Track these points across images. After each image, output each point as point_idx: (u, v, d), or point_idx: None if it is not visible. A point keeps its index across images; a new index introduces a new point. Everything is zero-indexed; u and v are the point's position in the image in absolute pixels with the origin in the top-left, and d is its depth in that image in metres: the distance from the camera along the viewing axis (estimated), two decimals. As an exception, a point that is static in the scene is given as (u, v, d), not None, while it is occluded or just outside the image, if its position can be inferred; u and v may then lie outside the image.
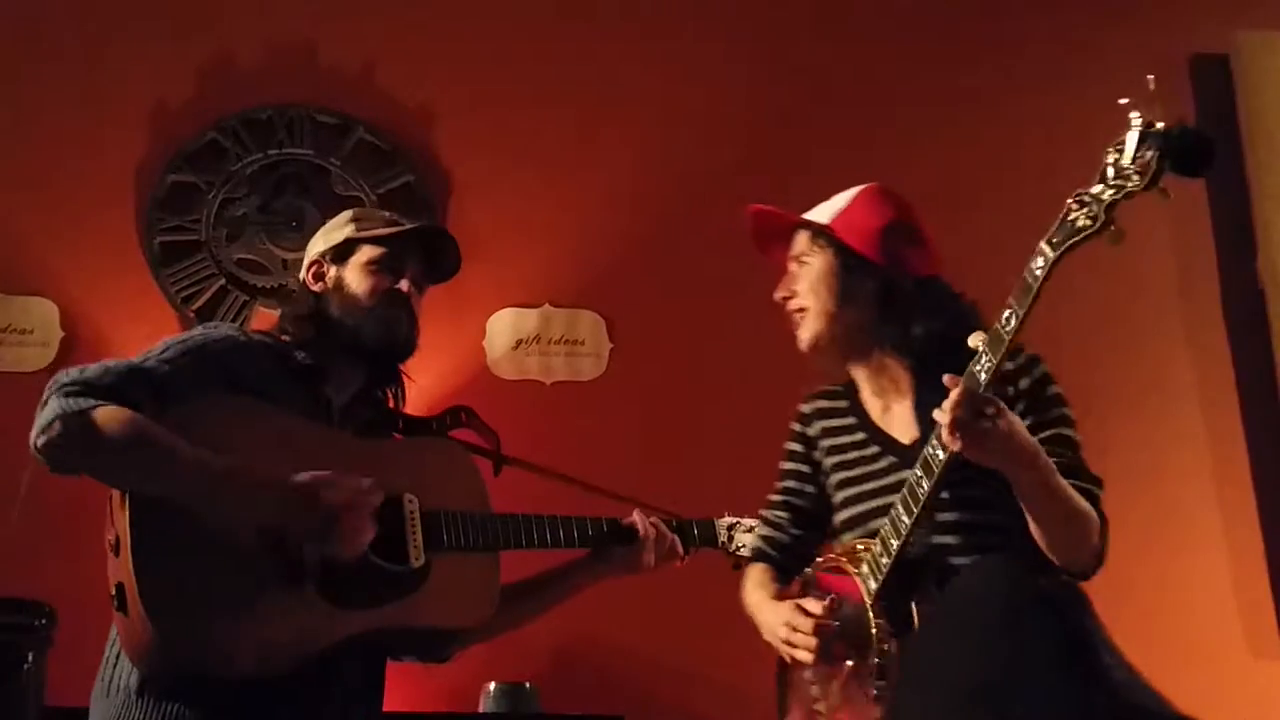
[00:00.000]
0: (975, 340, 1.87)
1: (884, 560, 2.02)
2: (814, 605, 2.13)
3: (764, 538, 2.41)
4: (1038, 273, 1.79)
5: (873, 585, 2.03)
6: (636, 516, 2.46)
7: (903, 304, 2.17)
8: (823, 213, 2.28)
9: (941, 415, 1.83)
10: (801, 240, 2.28)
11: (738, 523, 2.56)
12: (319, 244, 2.37)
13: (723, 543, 2.55)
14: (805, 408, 2.40)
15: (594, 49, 3.99)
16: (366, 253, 2.31)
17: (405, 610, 2.13)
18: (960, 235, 3.57)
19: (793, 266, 2.29)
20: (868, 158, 3.91)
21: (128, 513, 1.92)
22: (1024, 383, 2.10)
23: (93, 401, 1.90)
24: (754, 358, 3.68)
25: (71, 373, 1.97)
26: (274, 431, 2.09)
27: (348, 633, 2.06)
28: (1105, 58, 4.00)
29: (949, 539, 2.08)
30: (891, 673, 1.95)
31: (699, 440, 3.67)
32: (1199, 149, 1.70)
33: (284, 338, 2.27)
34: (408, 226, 2.36)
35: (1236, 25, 4.05)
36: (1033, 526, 1.97)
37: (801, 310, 2.26)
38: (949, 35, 4.09)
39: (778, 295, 2.29)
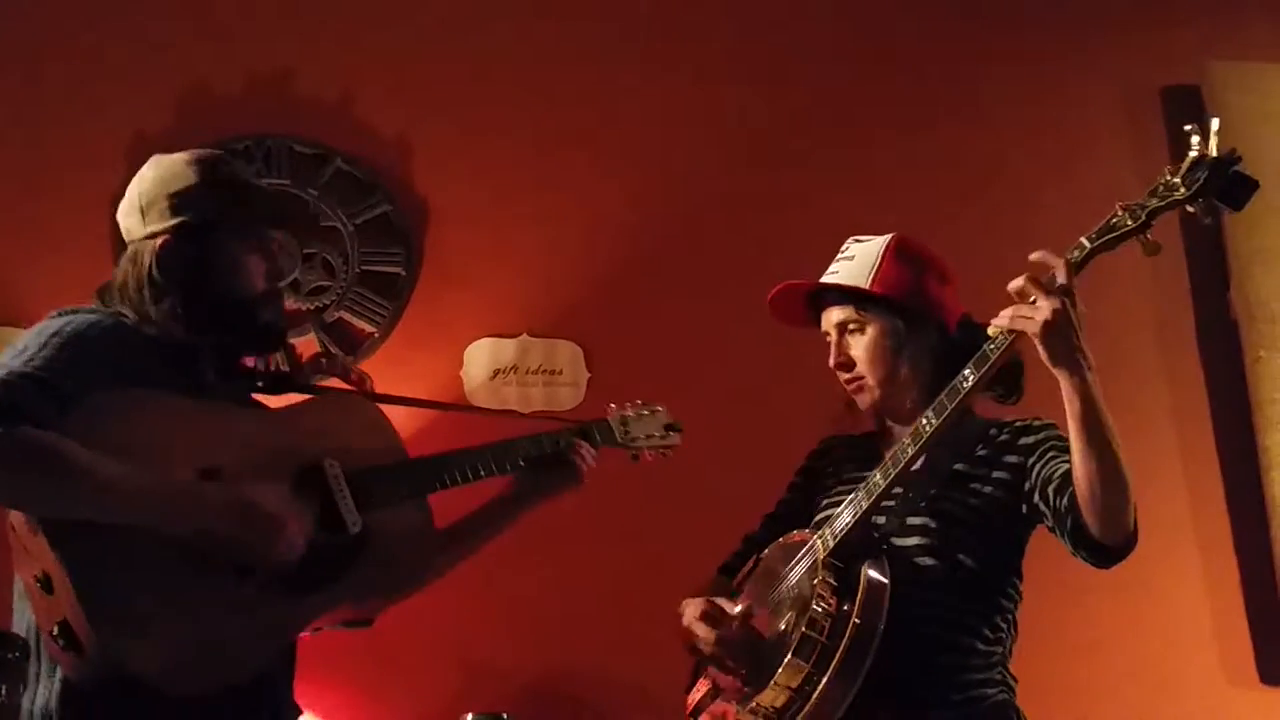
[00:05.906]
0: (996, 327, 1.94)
1: (847, 519, 2.05)
2: (726, 604, 2.19)
3: (737, 553, 2.45)
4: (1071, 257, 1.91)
5: (830, 542, 2.06)
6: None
7: (955, 354, 2.13)
8: (852, 275, 2.24)
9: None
10: (845, 307, 2.25)
11: (626, 415, 2.61)
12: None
13: (619, 438, 2.57)
14: (823, 445, 2.44)
15: (572, 81, 4.00)
16: None
17: (357, 580, 2.08)
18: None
19: (832, 333, 2.27)
20: (844, 191, 3.93)
21: (47, 543, 1.82)
22: (1027, 439, 2.17)
23: (6, 426, 1.77)
24: (733, 386, 3.69)
25: None
26: (177, 420, 1.99)
27: (310, 618, 2.03)
28: (1079, 88, 4.04)
29: (914, 540, 2.11)
30: (824, 627, 1.98)
31: (678, 469, 3.66)
32: (1243, 184, 1.85)
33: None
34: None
35: (1207, 56, 4.07)
36: (1077, 471, 1.94)
37: (860, 379, 2.24)
38: (923, 65, 4.12)
39: (832, 364, 2.27)
